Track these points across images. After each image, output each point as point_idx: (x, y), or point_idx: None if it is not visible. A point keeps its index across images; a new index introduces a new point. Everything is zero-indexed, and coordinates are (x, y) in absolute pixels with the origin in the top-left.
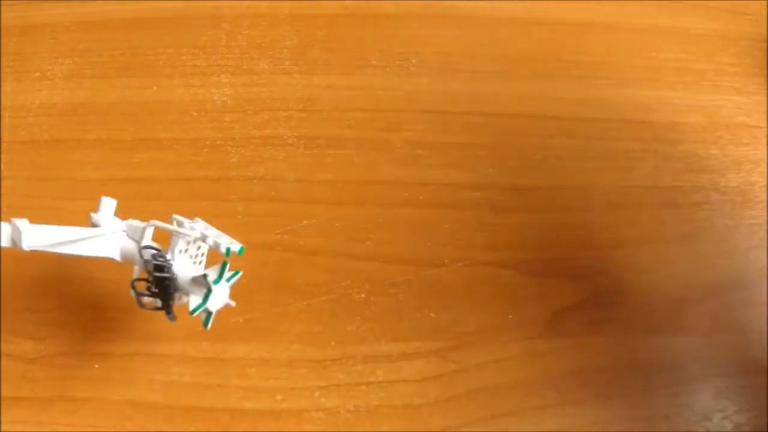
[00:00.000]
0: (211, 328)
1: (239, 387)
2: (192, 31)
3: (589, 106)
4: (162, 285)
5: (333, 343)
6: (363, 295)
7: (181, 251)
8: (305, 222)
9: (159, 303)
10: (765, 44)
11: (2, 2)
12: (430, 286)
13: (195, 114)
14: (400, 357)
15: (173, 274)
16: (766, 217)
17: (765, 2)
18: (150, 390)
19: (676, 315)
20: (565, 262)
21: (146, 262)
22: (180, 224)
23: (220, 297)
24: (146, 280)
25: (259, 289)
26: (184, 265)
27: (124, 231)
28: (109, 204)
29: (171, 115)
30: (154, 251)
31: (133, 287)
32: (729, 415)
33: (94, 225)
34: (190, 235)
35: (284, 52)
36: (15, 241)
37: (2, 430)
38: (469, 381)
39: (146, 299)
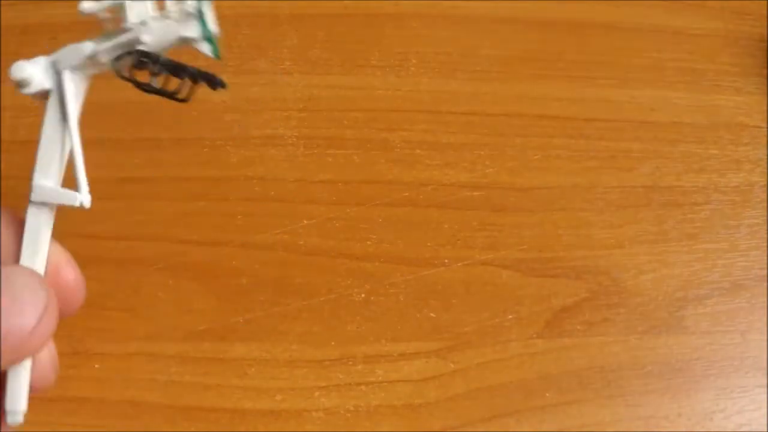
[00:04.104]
0: (211, 328)
1: (239, 387)
2: None
3: (589, 106)
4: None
5: (333, 343)
6: (363, 295)
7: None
8: (305, 222)
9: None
10: (765, 44)
11: (2, 2)
12: (430, 286)
13: (195, 114)
14: (400, 357)
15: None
16: (766, 217)
17: (765, 2)
18: (150, 390)
19: (676, 315)
20: (565, 262)
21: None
22: None
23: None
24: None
25: (259, 289)
26: (156, 26)
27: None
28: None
29: (171, 115)
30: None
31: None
32: (730, 416)
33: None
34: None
35: (284, 52)
36: None
37: (2, 430)
38: (469, 381)
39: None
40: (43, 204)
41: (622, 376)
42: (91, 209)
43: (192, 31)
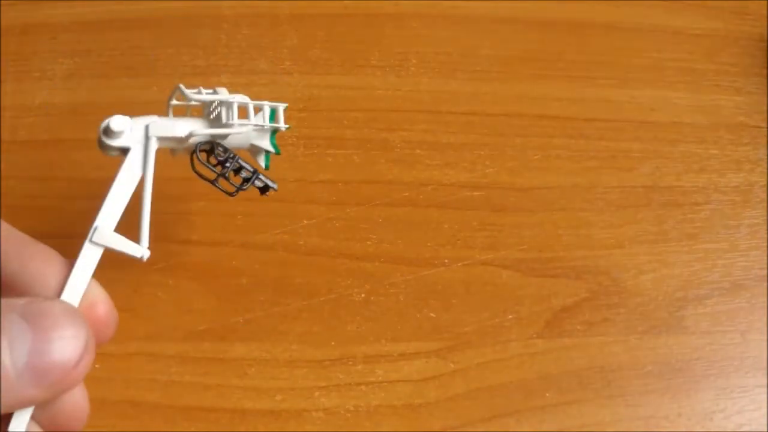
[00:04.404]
0: (211, 328)
1: (239, 387)
2: (192, 31)
3: (589, 106)
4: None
5: (333, 343)
6: (363, 295)
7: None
8: (305, 222)
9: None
10: (765, 44)
11: (2, 2)
12: (430, 286)
13: (195, 114)
14: (400, 357)
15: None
16: (766, 217)
17: (765, 2)
18: (150, 390)
19: (676, 315)
20: (565, 262)
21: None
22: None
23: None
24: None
25: (259, 289)
26: (248, 130)
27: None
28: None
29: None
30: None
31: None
32: (730, 416)
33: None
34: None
35: (284, 52)
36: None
37: (3, 430)
38: (469, 381)
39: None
40: (100, 246)
41: (622, 376)
42: (91, 209)
43: (264, 143)
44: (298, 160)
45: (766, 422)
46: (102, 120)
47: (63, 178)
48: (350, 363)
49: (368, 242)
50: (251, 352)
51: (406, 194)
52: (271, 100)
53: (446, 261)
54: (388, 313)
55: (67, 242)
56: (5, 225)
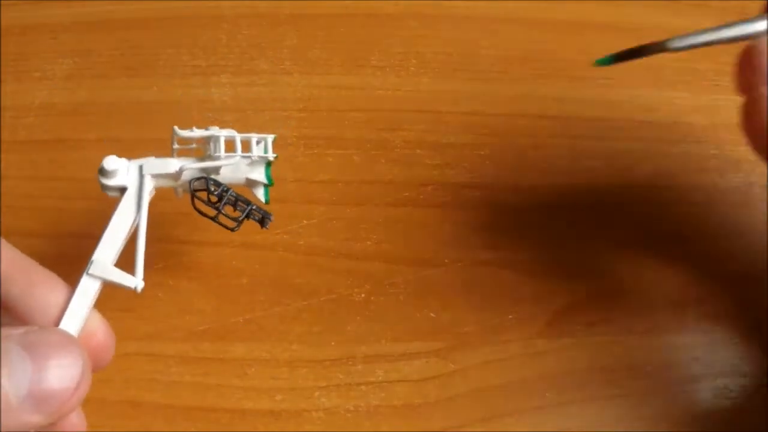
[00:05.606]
0: (211, 327)
1: (239, 387)
2: (192, 31)
3: (589, 106)
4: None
5: (333, 343)
6: (363, 295)
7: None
8: (305, 222)
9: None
10: None
11: (2, 2)
12: (430, 286)
13: (195, 114)
14: (400, 357)
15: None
16: (766, 217)
17: (765, 2)
18: (150, 390)
19: (676, 315)
20: (565, 262)
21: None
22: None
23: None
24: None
25: (259, 289)
26: (237, 164)
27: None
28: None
29: (171, 115)
30: (202, 180)
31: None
32: (729, 415)
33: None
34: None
35: (284, 52)
36: None
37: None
38: (469, 381)
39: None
40: (98, 278)
41: (622, 376)
42: (91, 209)
43: (258, 175)
44: (298, 160)
45: (766, 422)
46: (102, 122)
47: (63, 178)
48: (350, 363)
49: (368, 242)
50: (251, 352)
51: (406, 194)
52: (270, 100)
53: (446, 261)
54: (388, 313)
55: (67, 242)
56: (11, 248)
